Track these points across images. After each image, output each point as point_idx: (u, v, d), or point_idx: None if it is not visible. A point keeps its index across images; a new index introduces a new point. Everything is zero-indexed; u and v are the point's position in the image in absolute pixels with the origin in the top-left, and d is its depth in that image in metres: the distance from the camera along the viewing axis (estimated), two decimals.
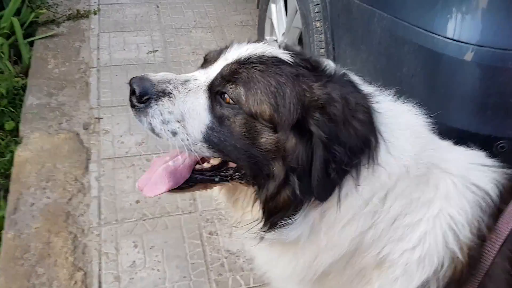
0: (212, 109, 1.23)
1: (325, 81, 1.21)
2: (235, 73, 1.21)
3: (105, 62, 3.70)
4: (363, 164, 1.18)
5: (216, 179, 1.31)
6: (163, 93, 1.23)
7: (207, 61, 1.35)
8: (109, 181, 2.78)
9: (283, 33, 2.94)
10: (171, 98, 1.23)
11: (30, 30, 3.91)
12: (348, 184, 1.19)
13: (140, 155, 2.95)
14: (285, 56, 1.24)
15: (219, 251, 2.47)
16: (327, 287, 1.36)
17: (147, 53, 3.84)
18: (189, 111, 1.24)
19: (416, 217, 1.24)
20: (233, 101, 1.20)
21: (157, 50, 3.87)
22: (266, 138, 1.19)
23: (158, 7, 4.44)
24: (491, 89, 1.64)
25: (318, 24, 2.34)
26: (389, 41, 1.84)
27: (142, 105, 1.23)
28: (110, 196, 2.69)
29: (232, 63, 1.24)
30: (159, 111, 1.23)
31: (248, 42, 1.32)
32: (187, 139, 1.23)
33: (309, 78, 1.21)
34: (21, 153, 2.87)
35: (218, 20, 4.36)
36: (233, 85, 1.20)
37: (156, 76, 1.27)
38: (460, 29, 1.63)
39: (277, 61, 1.22)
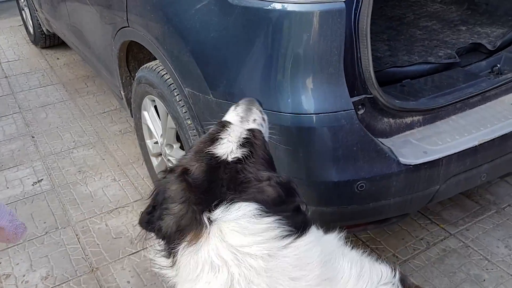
0: None
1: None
2: None
3: None
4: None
5: None
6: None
7: None
8: None
9: (161, 135, 3.18)
10: None
11: None
12: None
13: None
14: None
15: None
16: None
17: (32, 184, 3.82)
18: None
19: None
20: None
21: (42, 179, 3.87)
22: None
23: (33, 137, 4.46)
24: (337, 143, 2.02)
25: (189, 122, 2.62)
26: None
27: None
28: None
29: None
30: None
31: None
32: None
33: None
34: None
35: (97, 135, 4.47)
36: None
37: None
38: (301, 105, 2.01)
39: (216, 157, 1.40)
